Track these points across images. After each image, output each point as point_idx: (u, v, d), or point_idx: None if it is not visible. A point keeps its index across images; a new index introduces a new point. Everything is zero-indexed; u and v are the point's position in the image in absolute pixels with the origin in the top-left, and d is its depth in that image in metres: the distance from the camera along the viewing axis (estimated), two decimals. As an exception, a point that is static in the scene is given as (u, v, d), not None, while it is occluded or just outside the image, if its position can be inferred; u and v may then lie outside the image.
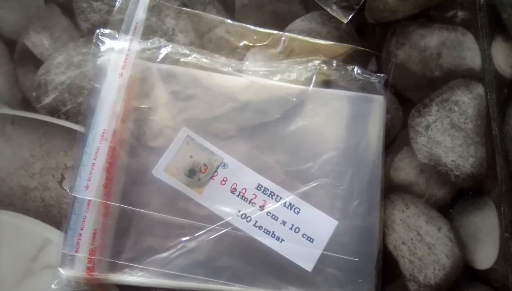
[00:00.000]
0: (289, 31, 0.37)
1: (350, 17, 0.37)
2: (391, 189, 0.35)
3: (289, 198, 0.33)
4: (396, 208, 0.35)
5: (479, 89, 0.37)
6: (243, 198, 0.33)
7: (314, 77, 0.35)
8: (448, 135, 0.36)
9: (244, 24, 0.36)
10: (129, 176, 0.33)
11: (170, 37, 0.36)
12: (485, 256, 0.34)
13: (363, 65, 0.36)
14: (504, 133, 0.37)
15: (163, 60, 0.35)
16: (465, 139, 0.36)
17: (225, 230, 0.32)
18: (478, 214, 0.35)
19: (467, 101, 0.37)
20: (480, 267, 0.34)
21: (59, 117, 0.35)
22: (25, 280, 0.32)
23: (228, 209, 0.32)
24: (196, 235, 0.32)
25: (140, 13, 0.35)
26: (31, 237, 0.33)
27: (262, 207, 0.33)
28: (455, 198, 0.35)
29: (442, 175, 0.35)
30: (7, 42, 0.36)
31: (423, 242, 0.34)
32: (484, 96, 0.37)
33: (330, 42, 0.36)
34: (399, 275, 0.34)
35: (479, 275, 0.34)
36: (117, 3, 0.35)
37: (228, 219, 0.32)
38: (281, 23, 0.37)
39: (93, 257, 0.31)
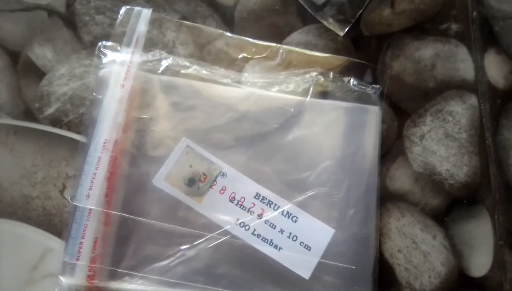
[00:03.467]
0: (287, 44, 0.38)
1: (346, 30, 0.38)
2: (386, 198, 0.36)
3: (287, 206, 0.33)
4: (392, 216, 0.35)
5: (473, 100, 0.38)
6: (242, 206, 0.33)
7: (311, 88, 0.36)
8: (442, 145, 0.37)
9: (243, 37, 0.37)
10: (129, 185, 0.33)
11: (170, 50, 0.37)
12: (480, 263, 0.35)
13: (359, 76, 0.37)
14: (497, 143, 0.37)
15: (164, 72, 0.35)
16: (459, 149, 0.37)
17: (224, 238, 0.32)
18: (473, 222, 0.36)
19: (460, 111, 0.37)
20: (475, 274, 0.35)
21: (61, 127, 0.35)
22: (26, 288, 0.32)
23: (227, 218, 0.33)
24: (195, 243, 0.32)
25: (142, 26, 0.36)
26: (32, 246, 0.33)
27: (260, 216, 0.33)
28: (450, 206, 0.36)
29: (437, 183, 0.36)
30: (11, 54, 0.36)
31: (418, 250, 0.35)
32: (477, 107, 0.38)
33: (326, 55, 0.37)
34: (395, 283, 0.34)
35: (474, 282, 0.34)
36: (119, 16, 0.36)
37: (227, 227, 0.33)
38: (279, 36, 0.38)
39: (94, 265, 0.31)
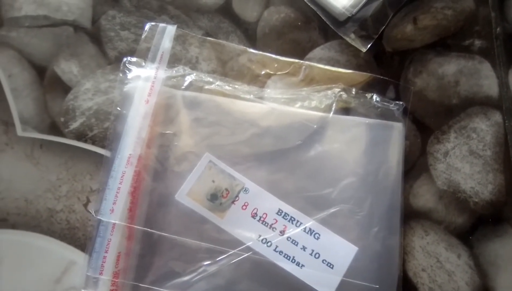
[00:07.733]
0: (309, 60, 0.38)
1: (369, 46, 0.38)
2: (410, 216, 0.35)
3: (309, 223, 0.33)
4: (416, 234, 0.35)
5: (497, 116, 0.37)
6: (264, 222, 0.33)
7: (334, 104, 0.36)
8: (466, 162, 0.36)
9: (266, 53, 0.37)
10: (152, 200, 0.33)
11: (193, 65, 0.37)
12: (506, 283, 0.34)
13: (382, 93, 0.37)
14: (523, 160, 0.37)
15: (188, 88, 0.36)
16: (483, 166, 0.36)
17: (246, 254, 0.32)
18: (498, 241, 0.35)
19: (485, 128, 0.37)
20: (501, 295, 0.34)
21: (85, 141, 0.36)
22: (49, 301, 0.33)
23: (249, 234, 0.33)
24: (217, 259, 0.32)
25: (166, 43, 0.36)
26: (56, 259, 0.34)
27: (282, 232, 0.33)
28: (474, 225, 0.35)
29: (461, 201, 0.36)
30: (38, 69, 0.37)
31: (443, 269, 0.34)
32: (502, 124, 0.37)
33: (349, 71, 0.37)
34: (419, 303, 0.34)
35: (500, 303, 0.34)
36: (144, 32, 0.37)
37: (249, 243, 0.33)
38: (301, 52, 0.38)
39: (117, 280, 0.31)
